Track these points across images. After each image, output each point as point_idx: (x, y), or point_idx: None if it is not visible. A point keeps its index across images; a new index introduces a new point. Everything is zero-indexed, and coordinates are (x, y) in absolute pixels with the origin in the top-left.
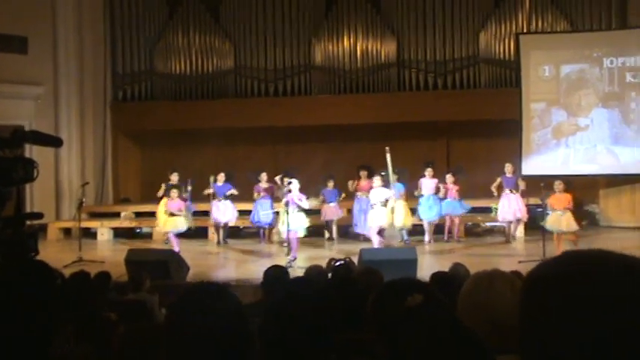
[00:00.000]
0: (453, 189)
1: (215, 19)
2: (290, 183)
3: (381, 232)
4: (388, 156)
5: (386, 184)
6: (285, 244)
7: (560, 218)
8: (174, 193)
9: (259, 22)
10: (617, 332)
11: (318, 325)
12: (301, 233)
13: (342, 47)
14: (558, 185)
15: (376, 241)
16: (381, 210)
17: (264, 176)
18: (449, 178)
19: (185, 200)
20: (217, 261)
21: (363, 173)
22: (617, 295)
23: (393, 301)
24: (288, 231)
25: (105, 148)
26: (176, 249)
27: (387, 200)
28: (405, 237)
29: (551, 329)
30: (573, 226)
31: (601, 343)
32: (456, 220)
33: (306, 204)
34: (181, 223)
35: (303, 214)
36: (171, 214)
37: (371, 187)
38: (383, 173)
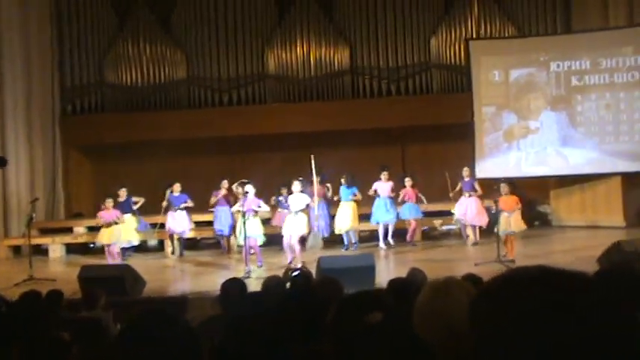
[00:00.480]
0: (412, 192)
1: (166, 28)
2: (246, 192)
3: (302, 241)
4: (313, 163)
5: (307, 190)
6: (251, 252)
7: (508, 220)
8: (109, 202)
9: (211, 31)
10: (559, 345)
11: (276, 338)
12: (260, 240)
13: (296, 55)
14: (504, 188)
15: (297, 250)
16: (301, 217)
17: (225, 183)
18: (407, 181)
19: (129, 212)
20: (174, 274)
21: (316, 178)
22: (561, 310)
23: (352, 316)
24: (247, 238)
25: (55, 163)
26: (110, 261)
27: (307, 206)
28: (354, 240)
29: (502, 339)
30: (522, 225)
31: (543, 354)
32: (414, 223)
33: (266, 207)
34: (114, 235)
35: (258, 221)
36: (108, 225)
37: (324, 193)
38: (301, 178)
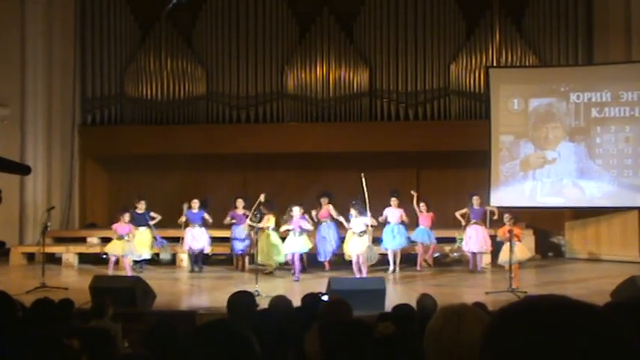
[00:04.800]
0: (427, 217)
1: (188, 44)
2: (292, 214)
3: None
4: (364, 182)
5: (361, 211)
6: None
7: (514, 248)
8: (126, 216)
9: (232, 48)
10: None
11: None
12: (305, 249)
13: (315, 75)
14: (508, 219)
15: (364, 271)
16: (362, 239)
17: (240, 202)
18: (423, 206)
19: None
20: (186, 288)
21: (324, 200)
22: (571, 343)
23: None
24: (292, 254)
25: (72, 172)
26: (110, 272)
27: (367, 227)
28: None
29: None
30: (526, 254)
31: None
32: (430, 248)
33: (309, 226)
34: (125, 248)
35: (304, 238)
36: (120, 238)
37: (329, 213)
38: (354, 202)
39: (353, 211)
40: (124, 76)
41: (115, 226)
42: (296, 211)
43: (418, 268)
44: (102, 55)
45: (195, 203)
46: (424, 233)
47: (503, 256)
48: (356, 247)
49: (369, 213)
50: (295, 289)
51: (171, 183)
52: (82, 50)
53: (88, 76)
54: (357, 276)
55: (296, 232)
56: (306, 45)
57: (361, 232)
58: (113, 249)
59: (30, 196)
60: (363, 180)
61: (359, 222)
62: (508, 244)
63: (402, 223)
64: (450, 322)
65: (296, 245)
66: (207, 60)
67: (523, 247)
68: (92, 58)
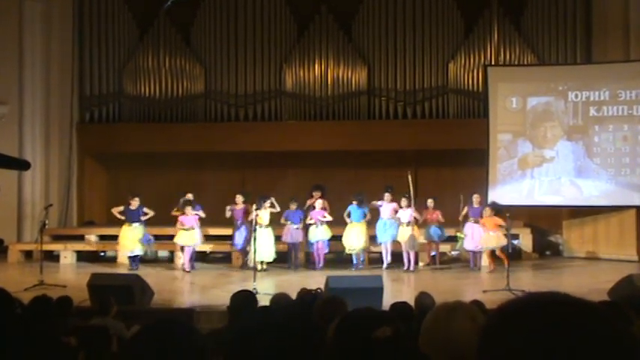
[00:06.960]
0: (434, 214)
1: (186, 41)
2: (314, 206)
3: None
4: (410, 179)
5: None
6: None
7: (491, 237)
8: (188, 209)
9: (231, 46)
10: None
11: (282, 351)
12: (326, 248)
13: (313, 74)
14: (487, 211)
15: (412, 258)
16: (407, 229)
17: (239, 198)
18: (430, 203)
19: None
20: (183, 286)
21: (317, 194)
22: (572, 343)
23: (355, 332)
24: (317, 242)
25: (70, 170)
26: (188, 267)
27: (415, 219)
28: (355, 261)
29: None
30: (503, 241)
31: None
32: (438, 247)
33: (329, 217)
34: (194, 238)
35: (324, 228)
36: (186, 229)
37: (323, 208)
38: (407, 195)
39: (403, 202)
40: (122, 73)
41: (180, 218)
42: (318, 203)
43: (431, 265)
44: (100, 52)
45: (189, 196)
46: (434, 231)
47: (484, 242)
48: (402, 236)
49: (413, 207)
50: (293, 287)
51: (169, 181)
52: (80, 48)
53: (86, 73)
54: (405, 263)
55: (318, 224)
56: (304, 43)
57: (408, 223)
58: (183, 240)
59: (28, 194)
60: (410, 177)
61: (406, 213)
62: (490, 232)
63: (392, 218)
64: (444, 319)
65: (318, 234)
66: (206, 58)
67: (500, 236)
68: (90, 55)
